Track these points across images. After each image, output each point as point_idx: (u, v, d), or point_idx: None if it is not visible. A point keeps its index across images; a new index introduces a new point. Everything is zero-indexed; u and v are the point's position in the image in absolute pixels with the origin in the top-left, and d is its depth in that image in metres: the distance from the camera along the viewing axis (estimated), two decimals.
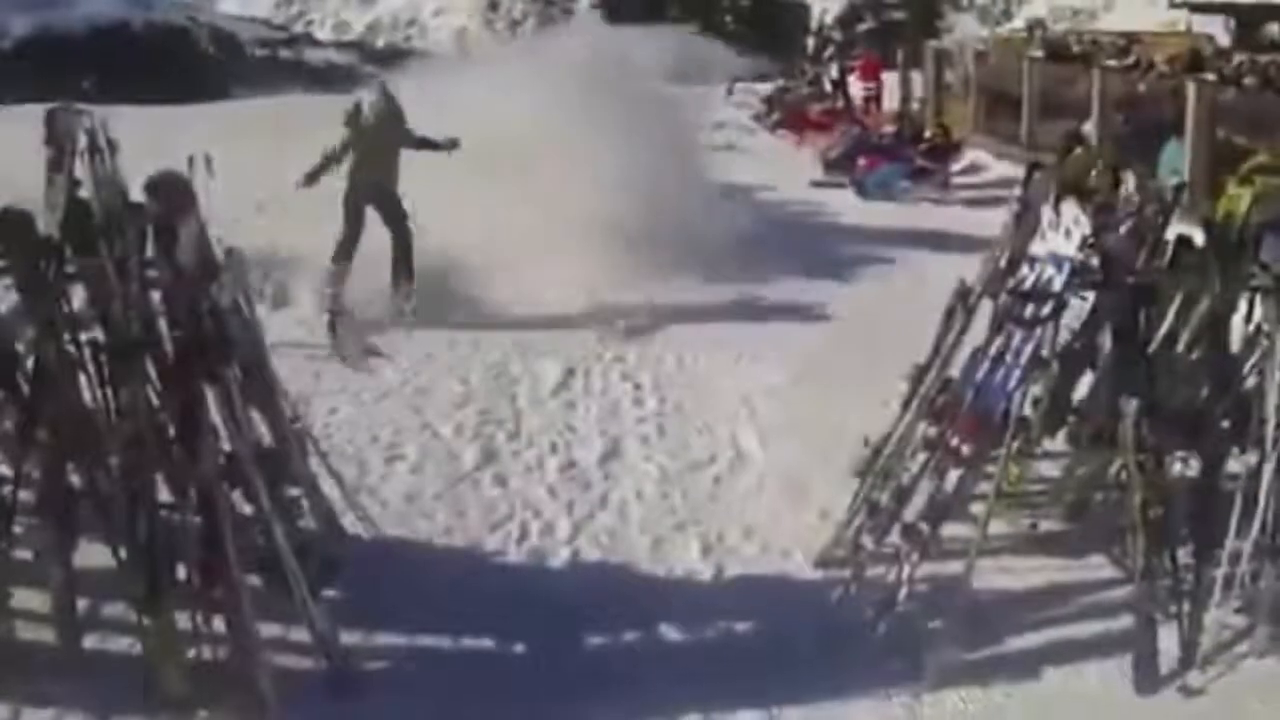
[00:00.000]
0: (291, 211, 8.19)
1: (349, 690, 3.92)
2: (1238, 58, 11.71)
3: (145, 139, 5.23)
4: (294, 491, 4.32)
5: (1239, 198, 5.14)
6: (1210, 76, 11.07)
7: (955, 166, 13.59)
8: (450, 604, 4.45)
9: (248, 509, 3.90)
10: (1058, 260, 4.46)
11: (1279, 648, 4.30)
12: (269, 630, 3.91)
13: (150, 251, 3.77)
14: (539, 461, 5.81)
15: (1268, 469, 4.43)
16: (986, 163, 14.01)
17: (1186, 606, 4.33)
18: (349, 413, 6.21)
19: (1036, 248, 4.57)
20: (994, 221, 5.29)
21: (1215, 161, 8.49)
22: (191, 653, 3.74)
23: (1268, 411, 4.48)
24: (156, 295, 3.80)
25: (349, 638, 4.10)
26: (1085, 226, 4.39)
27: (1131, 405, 4.35)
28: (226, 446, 3.85)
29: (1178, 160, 8.82)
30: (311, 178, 7.79)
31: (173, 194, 3.81)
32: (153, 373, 3.78)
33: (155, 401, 3.78)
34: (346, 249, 7.90)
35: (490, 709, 3.93)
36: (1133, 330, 4.50)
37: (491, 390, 6.70)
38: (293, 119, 11.82)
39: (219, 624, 3.73)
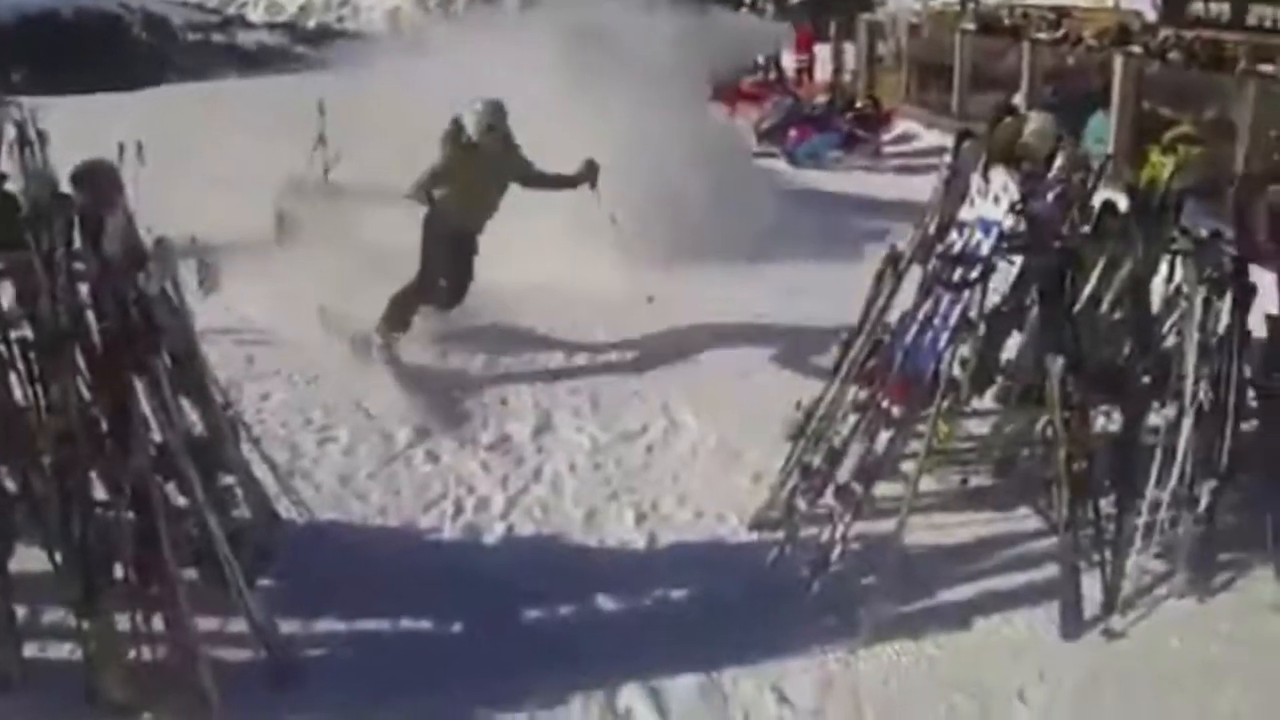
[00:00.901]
0: (225, 198, 7.97)
1: (290, 680, 3.89)
2: (1163, 33, 11.96)
3: (77, 129, 5.13)
4: (227, 480, 4.27)
5: (1161, 165, 5.25)
6: (1137, 50, 11.35)
7: (886, 136, 13.82)
8: (387, 585, 4.41)
9: (181, 501, 3.84)
10: (986, 225, 4.53)
11: (1196, 590, 4.49)
12: (207, 624, 3.86)
13: (77, 243, 3.68)
14: (471, 437, 5.78)
15: (1186, 422, 4.60)
16: (918, 132, 14.20)
17: (1109, 554, 4.49)
18: (282, 397, 6.12)
19: (965, 213, 4.64)
20: (924, 188, 5.32)
21: (1140, 132, 8.71)
22: (132, 654, 3.68)
23: (1186, 368, 4.64)
24: (85, 287, 3.71)
25: (287, 626, 4.06)
26: (1013, 193, 4.46)
27: (1057, 364, 4.48)
28: (158, 438, 3.78)
29: (1103, 130, 9.01)
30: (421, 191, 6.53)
31: (99, 184, 3.71)
32: (83, 366, 3.70)
33: (87, 396, 3.71)
34: (426, 294, 6.64)
35: (430, 689, 3.91)
36: (1058, 292, 4.60)
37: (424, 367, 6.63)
38: (226, 104, 11.62)
39: (158, 622, 3.67)
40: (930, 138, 13.36)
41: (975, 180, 4.68)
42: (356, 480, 5.27)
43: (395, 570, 4.56)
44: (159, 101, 14.02)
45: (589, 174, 6.69)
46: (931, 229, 4.81)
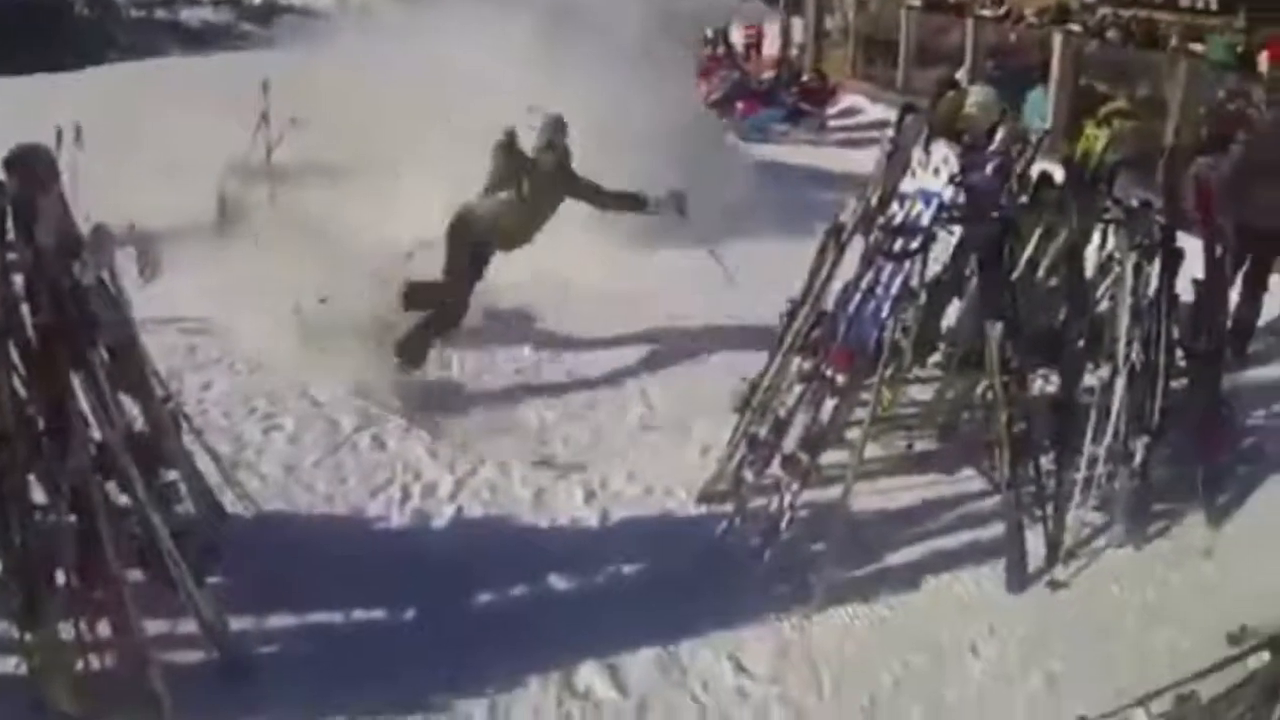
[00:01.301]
0: (166, 182, 7.64)
1: (243, 678, 3.83)
2: (1102, 11, 12.18)
3: (14, 112, 4.94)
4: (170, 476, 4.15)
5: (1096, 138, 5.41)
6: (1076, 28, 11.55)
7: (832, 110, 13.97)
8: (337, 575, 4.36)
9: (123, 499, 3.74)
10: (926, 197, 4.60)
11: (1133, 539, 4.69)
12: (155, 626, 3.77)
13: (10, 233, 3.53)
14: (417, 422, 5.67)
15: (1119, 383, 4.79)
16: (864, 106, 14.34)
17: (1050, 510, 4.65)
18: (224, 386, 5.97)
19: (906, 185, 4.70)
20: (868, 161, 5.41)
21: (1077, 107, 8.88)
22: (79, 663, 3.58)
23: (1119, 331, 4.83)
24: (19, 279, 3.55)
25: (238, 623, 3.99)
26: (953, 165, 4.54)
27: (996, 329, 4.59)
28: (97, 435, 3.67)
29: (1042, 105, 9.18)
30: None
31: (34, 170, 3.56)
32: (18, 362, 3.55)
33: (22, 393, 3.56)
34: (454, 315, 6.26)
35: (386, 678, 3.89)
36: (996, 261, 4.71)
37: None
38: (169, 84, 11.31)
39: (104, 627, 3.58)
40: (875, 111, 13.48)
41: (917, 153, 4.73)
42: (302, 469, 5.18)
43: (345, 559, 4.50)
44: (100, 81, 13.53)
45: (676, 202, 6.32)
46: (873, 201, 4.86)
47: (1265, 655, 3.21)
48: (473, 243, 6.21)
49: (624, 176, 6.48)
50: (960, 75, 11.04)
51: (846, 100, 14.46)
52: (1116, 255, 4.98)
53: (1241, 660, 3.34)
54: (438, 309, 6.23)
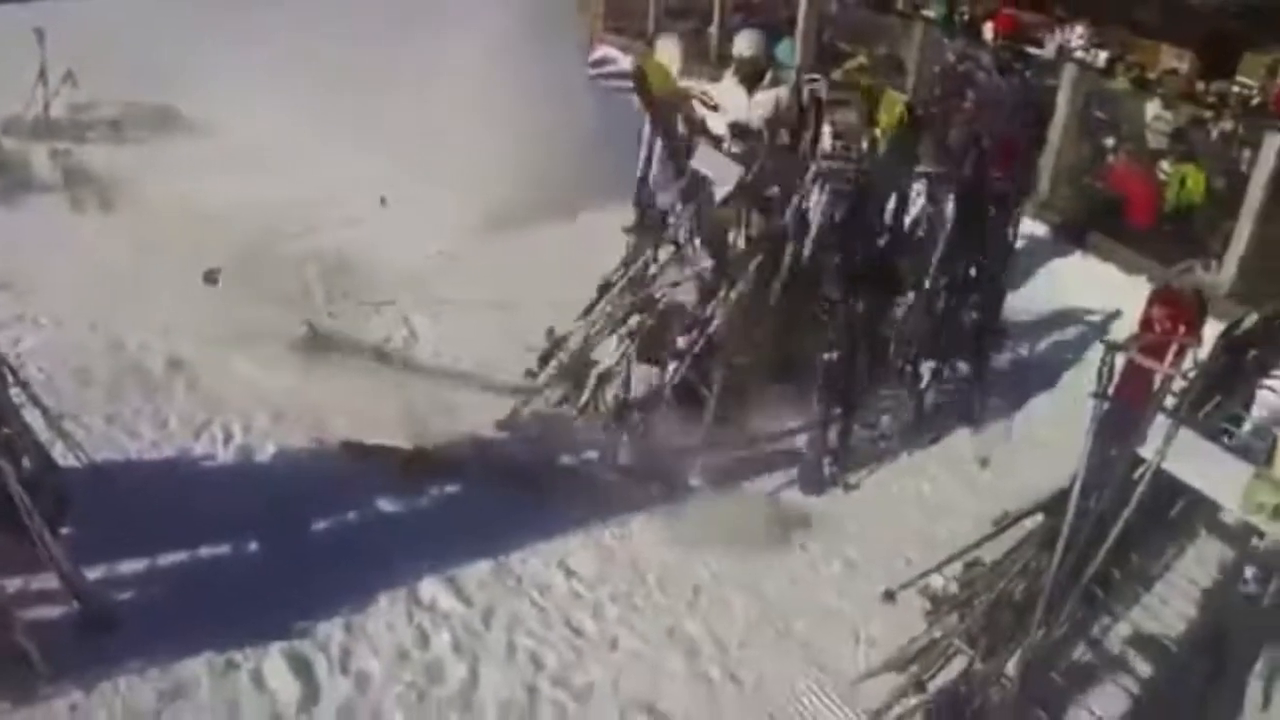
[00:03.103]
0: None
1: (105, 626, 3.89)
2: None
3: None
4: (4, 430, 4.03)
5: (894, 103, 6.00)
6: None
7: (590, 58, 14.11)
8: (177, 517, 4.43)
9: None
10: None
11: (910, 446, 5.49)
12: (10, 583, 3.78)
13: None
14: (225, 361, 5.62)
15: (917, 315, 5.54)
16: (615, 58, 14.63)
17: (845, 424, 5.30)
18: (31, 342, 5.70)
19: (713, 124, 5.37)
20: (625, 107, 6.12)
21: (821, 62, 9.43)
22: None
23: (924, 270, 5.50)
24: None
25: (91, 572, 4.00)
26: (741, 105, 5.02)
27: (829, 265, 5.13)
28: None
29: (790, 55, 9.67)
30: None
31: None
32: None
33: None
34: None
35: (241, 611, 4.05)
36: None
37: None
38: None
39: None
40: (625, 63, 13.86)
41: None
42: (123, 418, 5.11)
43: (181, 501, 4.57)
44: None
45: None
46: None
47: (1040, 516, 3.91)
48: None
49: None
50: (712, 30, 11.43)
51: (600, 51, 14.73)
52: (926, 205, 5.67)
53: (1019, 523, 4.06)
54: None
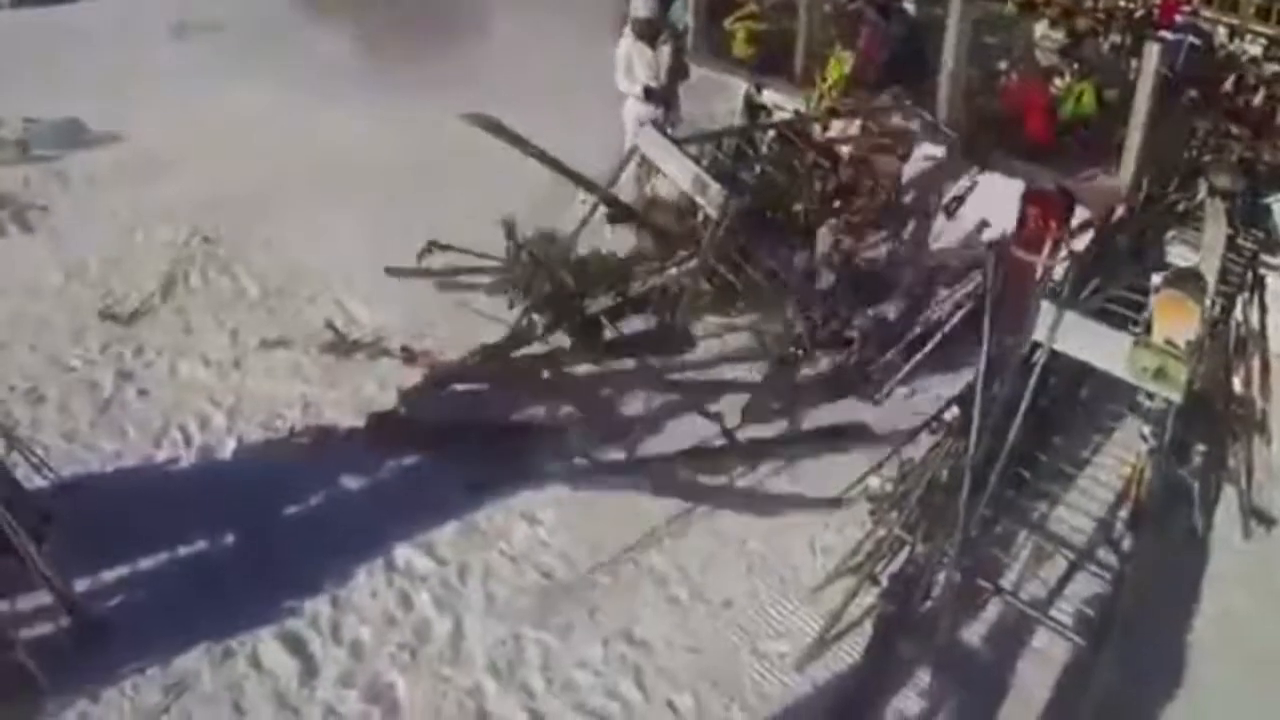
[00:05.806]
0: None
1: (99, 637, 4.03)
2: None
3: None
4: None
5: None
6: None
7: None
8: (151, 522, 4.57)
9: None
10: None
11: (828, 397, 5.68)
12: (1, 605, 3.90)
13: None
14: (172, 367, 5.77)
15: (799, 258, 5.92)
16: None
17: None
18: None
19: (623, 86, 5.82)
20: None
21: (714, 8, 9.55)
22: None
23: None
24: None
25: (77, 585, 4.14)
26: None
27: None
28: None
29: (683, 13, 9.77)
30: None
31: None
32: None
33: None
34: None
35: (229, 603, 4.22)
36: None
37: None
38: None
39: None
40: None
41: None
42: (81, 433, 5.20)
43: (152, 507, 4.69)
44: None
45: None
46: None
47: (955, 409, 4.23)
48: None
49: None
50: None
51: None
52: None
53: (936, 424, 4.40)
54: None
